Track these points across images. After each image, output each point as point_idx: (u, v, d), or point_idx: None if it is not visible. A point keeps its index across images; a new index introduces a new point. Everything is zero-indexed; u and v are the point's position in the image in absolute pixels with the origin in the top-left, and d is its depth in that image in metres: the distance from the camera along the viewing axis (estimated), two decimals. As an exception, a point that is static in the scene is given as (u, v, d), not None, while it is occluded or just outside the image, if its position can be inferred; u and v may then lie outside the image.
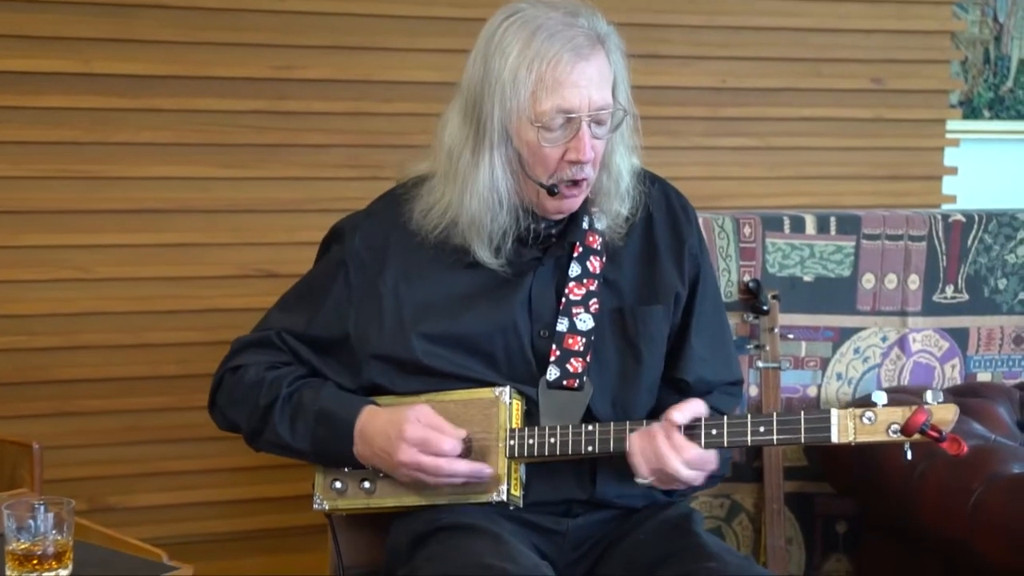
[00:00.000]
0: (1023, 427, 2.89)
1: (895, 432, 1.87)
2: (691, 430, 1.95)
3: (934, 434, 1.86)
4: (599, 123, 1.99)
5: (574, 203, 2.05)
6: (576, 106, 1.95)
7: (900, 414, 1.87)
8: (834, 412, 1.91)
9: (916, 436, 1.86)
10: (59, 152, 2.89)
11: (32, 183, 2.88)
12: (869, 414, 1.89)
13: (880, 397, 1.90)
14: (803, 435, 1.91)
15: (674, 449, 1.93)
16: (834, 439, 1.90)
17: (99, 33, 2.88)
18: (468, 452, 2.00)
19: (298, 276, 2.25)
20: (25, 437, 2.39)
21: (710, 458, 1.96)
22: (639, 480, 1.97)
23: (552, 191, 2.00)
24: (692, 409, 1.96)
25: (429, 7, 3.08)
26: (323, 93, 3.04)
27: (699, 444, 1.94)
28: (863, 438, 1.89)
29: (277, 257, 3.02)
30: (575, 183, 2.01)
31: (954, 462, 2.54)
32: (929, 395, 1.89)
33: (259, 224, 3.04)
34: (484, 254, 2.04)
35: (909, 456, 1.90)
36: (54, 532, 1.82)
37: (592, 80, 1.96)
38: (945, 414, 1.87)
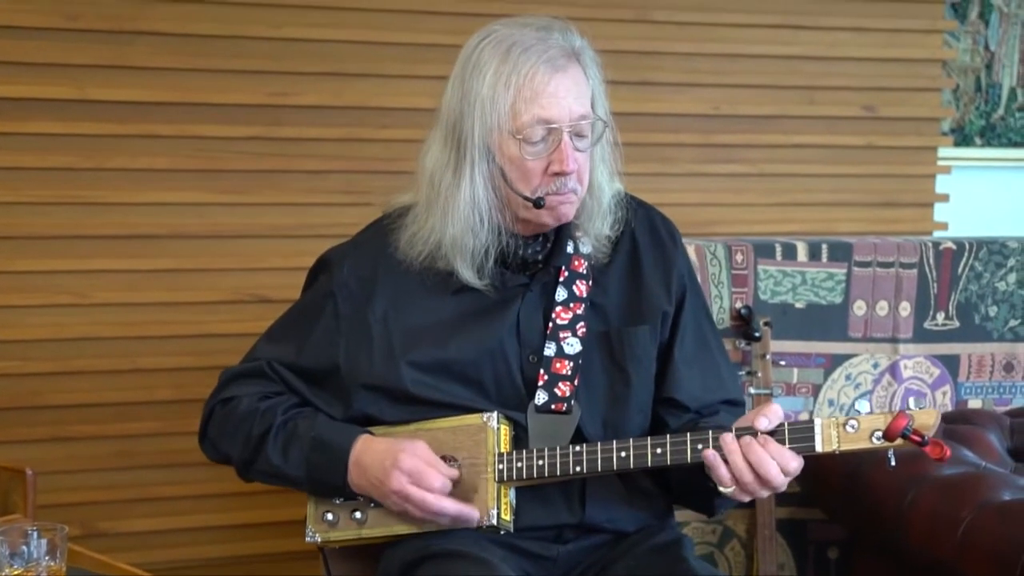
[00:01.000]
0: (1013, 454, 2.90)
1: (878, 439, 1.87)
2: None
3: (916, 438, 1.85)
4: (580, 135, 2.01)
5: (568, 211, 2.05)
6: (556, 116, 1.97)
7: (882, 420, 1.87)
8: (817, 421, 1.91)
9: (899, 441, 1.86)
10: (54, 178, 2.89)
11: (27, 209, 2.89)
12: (852, 422, 1.89)
13: (863, 405, 1.91)
14: (787, 446, 1.91)
15: (774, 457, 1.89)
16: (818, 448, 1.90)
17: (94, 60, 2.89)
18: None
19: (293, 302, 2.25)
20: (18, 463, 2.39)
21: (800, 462, 1.93)
22: (723, 490, 1.93)
23: (538, 204, 2.01)
24: (776, 414, 1.93)
25: (424, 34, 3.10)
26: (318, 119, 3.05)
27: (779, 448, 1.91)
28: (847, 446, 1.89)
29: (272, 283, 3.02)
30: (562, 193, 2.02)
31: (944, 489, 2.55)
32: (911, 401, 1.91)
33: (254, 250, 3.04)
34: (468, 274, 2.05)
35: (893, 463, 1.89)
36: (47, 558, 1.82)
37: (570, 91, 1.99)
38: (927, 419, 1.87)
